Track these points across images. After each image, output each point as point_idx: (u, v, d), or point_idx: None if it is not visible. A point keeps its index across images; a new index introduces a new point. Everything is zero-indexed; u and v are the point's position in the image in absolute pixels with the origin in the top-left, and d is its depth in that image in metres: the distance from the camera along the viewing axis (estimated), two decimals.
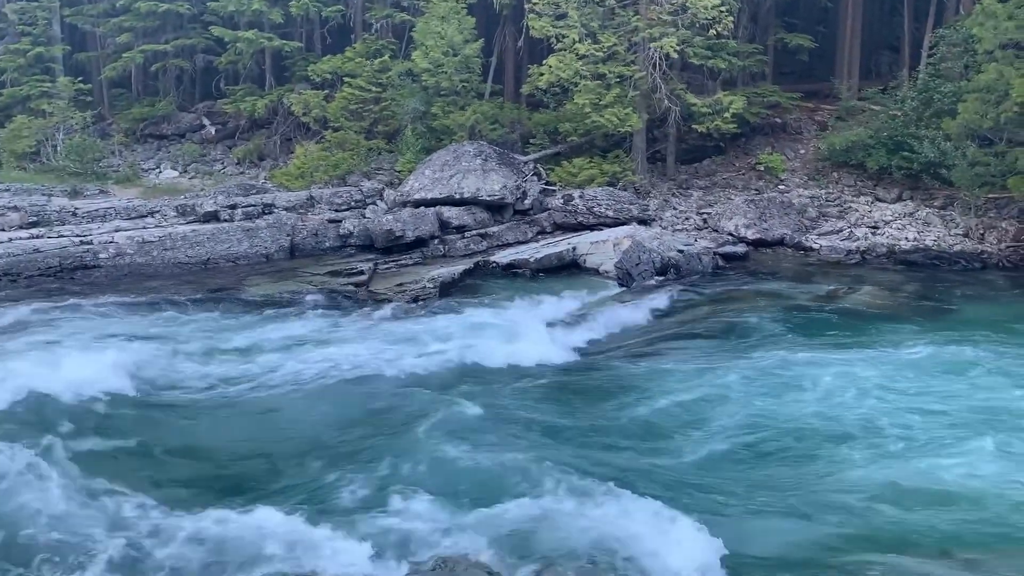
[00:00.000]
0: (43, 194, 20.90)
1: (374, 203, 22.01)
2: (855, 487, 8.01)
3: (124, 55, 27.02)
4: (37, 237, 17.40)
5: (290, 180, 23.51)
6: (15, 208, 19.04)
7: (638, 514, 7.26)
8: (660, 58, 20.81)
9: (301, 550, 7.28)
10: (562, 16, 21.51)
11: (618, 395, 10.46)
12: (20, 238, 17.30)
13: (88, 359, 11.20)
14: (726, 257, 18.01)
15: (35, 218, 18.82)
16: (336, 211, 21.21)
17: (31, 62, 27.58)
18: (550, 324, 13.25)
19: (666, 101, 21.24)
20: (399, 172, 23.44)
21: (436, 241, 19.55)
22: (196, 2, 27.27)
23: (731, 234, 19.37)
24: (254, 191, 22.12)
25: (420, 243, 19.35)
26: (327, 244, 19.51)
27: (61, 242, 17.07)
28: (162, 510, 7.91)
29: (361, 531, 7.49)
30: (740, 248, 18.59)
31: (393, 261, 18.62)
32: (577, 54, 20.91)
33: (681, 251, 17.08)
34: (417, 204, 20.56)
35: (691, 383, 10.59)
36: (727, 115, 21.16)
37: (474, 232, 20.04)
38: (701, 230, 19.99)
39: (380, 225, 19.43)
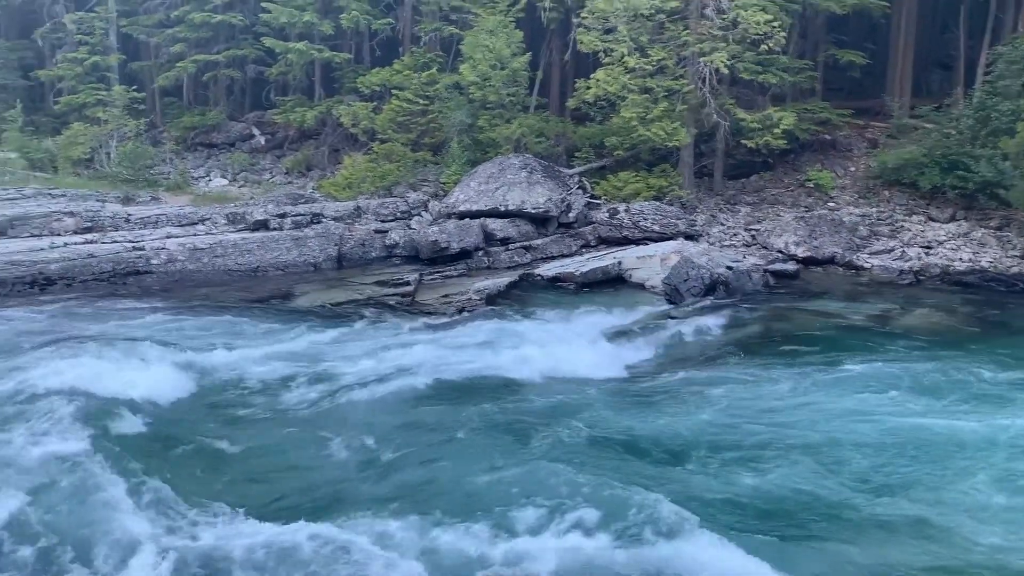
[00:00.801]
0: (97, 200, 21.30)
1: (419, 214, 22.12)
2: (927, 520, 7.76)
3: (177, 65, 27.56)
4: (91, 242, 17.71)
5: (337, 190, 23.73)
6: (70, 213, 19.41)
7: (701, 539, 7.13)
8: (710, 73, 20.65)
9: (349, 561, 7.26)
10: (611, 30, 21.47)
11: (670, 413, 10.27)
12: (75, 243, 17.63)
13: (143, 364, 11.34)
14: (776, 275, 17.73)
15: (89, 223, 19.18)
16: (382, 222, 21.35)
17: (88, 71, 28.25)
18: (598, 339, 13.10)
19: (715, 116, 21.07)
20: (444, 184, 23.54)
21: (480, 253, 19.58)
22: (248, 13, 27.71)
23: (781, 251, 19.10)
24: (302, 201, 22.36)
25: (465, 255, 19.39)
26: (373, 254, 19.62)
27: (114, 247, 17.37)
28: (215, 517, 7.92)
29: (418, 546, 7.43)
30: (790, 266, 18.30)
31: (438, 272, 18.66)
32: (625, 68, 20.84)
33: (730, 268, 16.85)
34: (462, 216, 20.61)
35: (747, 404, 10.37)
36: (777, 131, 20.93)
37: (518, 244, 20.04)
38: (749, 247, 19.74)
39: (425, 236, 19.51)
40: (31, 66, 31.51)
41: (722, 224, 21.08)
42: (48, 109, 30.87)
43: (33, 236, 18.37)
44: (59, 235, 18.41)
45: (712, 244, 19.57)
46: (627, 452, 9.20)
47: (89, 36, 28.51)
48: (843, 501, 8.06)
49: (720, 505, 7.97)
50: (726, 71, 20.63)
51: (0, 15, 31.95)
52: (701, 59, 20.76)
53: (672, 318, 14.64)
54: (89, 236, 18.29)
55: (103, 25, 28.65)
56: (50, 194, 21.45)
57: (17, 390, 10.32)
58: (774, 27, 20.13)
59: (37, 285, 15.91)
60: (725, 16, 20.50)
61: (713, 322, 14.34)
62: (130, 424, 9.80)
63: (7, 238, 18.14)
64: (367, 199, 22.58)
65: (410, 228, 20.88)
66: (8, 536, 7.35)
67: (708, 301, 15.69)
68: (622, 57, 20.90)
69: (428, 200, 22.85)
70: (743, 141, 21.71)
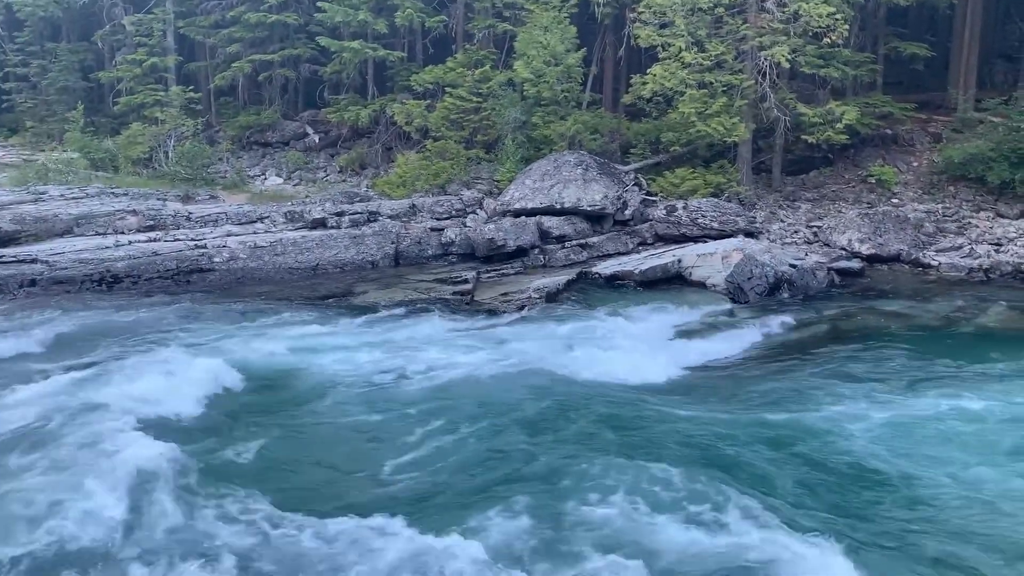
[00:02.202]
0: (158, 199, 21.64)
1: (474, 212, 22.08)
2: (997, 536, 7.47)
3: (233, 65, 27.89)
4: (155, 240, 17.98)
5: (391, 188, 23.81)
6: (133, 212, 19.74)
7: (780, 538, 6.97)
8: (770, 67, 20.28)
9: (423, 562, 7.22)
10: (667, 25, 21.20)
11: (739, 416, 10.06)
12: (139, 241, 17.91)
13: (208, 361, 11.40)
14: (841, 273, 17.34)
15: (151, 222, 19.47)
16: (437, 219, 21.35)
17: (146, 72, 28.76)
18: (662, 339, 12.93)
19: (775, 110, 20.70)
20: (498, 182, 23.47)
21: (536, 251, 19.46)
22: (302, 13, 27.94)
23: (844, 249, 18.68)
24: (358, 199, 22.48)
25: (520, 252, 19.29)
26: (429, 252, 19.61)
27: (177, 246, 17.60)
28: (282, 514, 7.93)
29: (488, 545, 7.37)
30: (855, 263, 17.89)
31: (494, 270, 18.59)
32: (683, 63, 20.56)
33: (794, 266, 16.52)
34: (517, 214, 20.53)
35: (820, 407, 10.09)
36: (839, 126, 20.49)
37: (574, 242, 19.89)
38: (811, 244, 19.34)
39: (482, 234, 19.45)
40: (91, 68, 32.21)
41: (782, 221, 20.70)
42: (107, 110, 31.52)
43: (98, 234, 18.71)
44: (123, 233, 18.71)
45: (773, 241, 19.21)
46: (689, 452, 9.02)
47: (147, 38, 29.02)
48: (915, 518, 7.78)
49: (797, 512, 7.77)
50: (787, 65, 20.23)
51: (62, 18, 32.64)
52: (761, 53, 20.40)
53: (736, 318, 14.39)
54: (152, 234, 18.57)
55: (161, 27, 29.13)
56: (112, 193, 21.84)
57: (83, 388, 10.43)
58: (837, 19, 19.71)
59: (105, 283, 16.19)
60: (786, 9, 20.11)
61: (780, 322, 14.06)
62: (192, 421, 9.88)
63: (74, 236, 18.51)
64: (421, 197, 22.62)
65: (465, 226, 20.83)
66: (68, 535, 7.39)
67: (773, 300, 15.39)
68: (679, 52, 20.62)
69: (482, 198, 22.79)
70: (803, 136, 21.29)
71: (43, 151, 27.50)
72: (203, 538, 7.58)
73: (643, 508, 7.65)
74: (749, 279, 15.66)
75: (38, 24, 32.41)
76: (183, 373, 10.70)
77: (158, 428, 9.28)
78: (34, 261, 16.37)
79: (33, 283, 15.86)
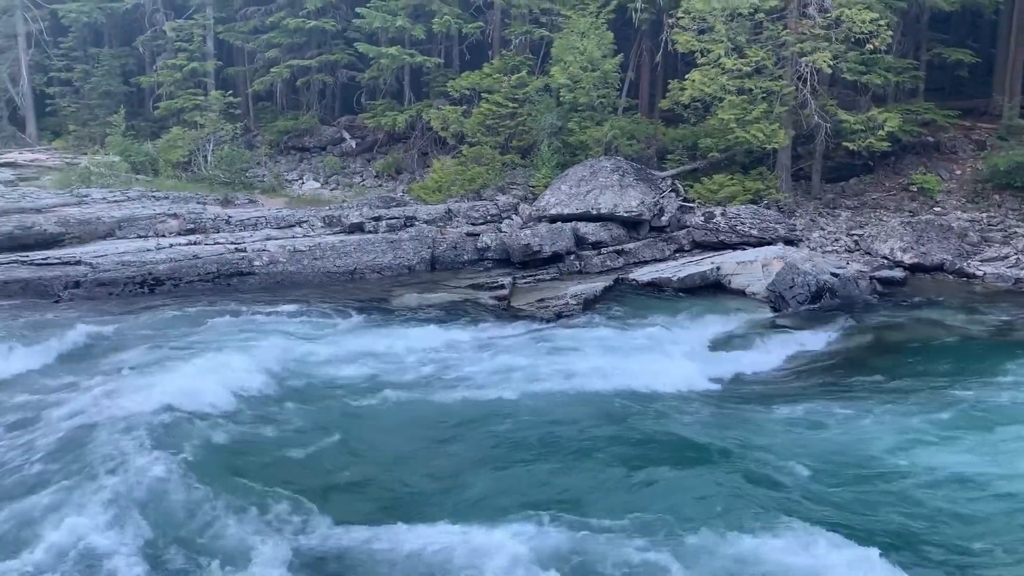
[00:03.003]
0: (198, 202, 21.87)
1: (509, 217, 22.06)
2: None
3: (271, 70, 28.15)
4: (196, 244, 18.17)
5: (427, 193, 23.88)
6: (174, 215, 19.97)
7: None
8: (811, 73, 20.06)
9: (458, 567, 7.20)
10: (706, 30, 21.05)
11: (781, 428, 9.93)
12: (180, 244, 18.11)
13: (249, 364, 11.48)
14: (883, 282, 17.07)
15: (192, 225, 19.69)
16: (473, 225, 21.37)
17: (186, 76, 29.11)
18: (703, 348, 12.81)
19: (815, 117, 20.46)
20: (534, 187, 23.44)
21: (572, 257, 19.40)
22: (340, 19, 28.14)
23: (886, 257, 18.40)
24: (395, 204, 22.57)
25: (556, 258, 19.24)
26: (465, 257, 19.62)
27: (218, 249, 17.77)
28: (318, 517, 7.93)
29: (528, 551, 7.33)
30: (897, 273, 17.61)
31: (530, 276, 18.56)
32: (722, 68, 20.39)
33: (835, 274, 16.28)
34: (553, 219, 20.49)
35: (865, 421, 9.91)
36: (881, 133, 20.19)
37: (610, 248, 19.81)
38: (852, 252, 19.07)
39: (517, 240, 19.43)
40: (132, 73, 32.71)
41: (822, 229, 20.44)
42: (148, 114, 31.99)
43: (139, 237, 18.94)
44: (164, 236, 18.94)
45: (813, 249, 18.96)
46: (728, 467, 8.88)
47: (188, 43, 29.38)
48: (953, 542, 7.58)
49: (835, 527, 7.61)
50: (828, 71, 19.99)
51: (105, 24, 33.20)
52: (802, 59, 20.18)
53: (778, 327, 14.22)
54: (193, 237, 18.77)
55: (201, 32, 29.50)
56: (153, 196, 22.12)
57: (126, 391, 10.50)
58: (880, 26, 19.43)
59: (146, 285, 16.40)
60: (828, 15, 19.87)
61: (822, 331, 13.88)
62: (234, 424, 9.89)
63: (116, 239, 18.76)
64: (457, 202, 22.66)
65: (501, 231, 20.83)
66: (112, 538, 7.44)
67: (814, 309, 15.18)
68: (719, 57, 20.46)
69: (518, 203, 22.77)
70: (844, 143, 21.01)
71: (85, 154, 27.93)
72: (235, 538, 7.62)
73: (684, 520, 7.55)
74: (790, 288, 15.47)
75: (82, 30, 32.99)
76: (224, 373, 10.78)
77: (197, 428, 9.33)
78: (78, 263, 16.62)
79: (77, 285, 16.10)
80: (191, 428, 9.62)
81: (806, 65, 20.12)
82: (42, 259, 16.69)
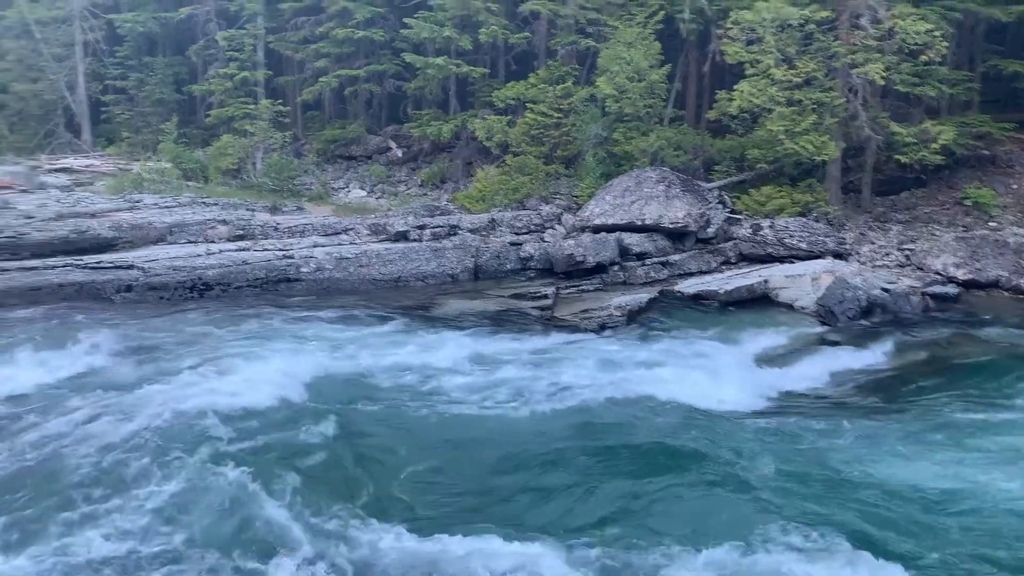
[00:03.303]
0: (247, 209, 22.19)
1: (552, 227, 22.05)
2: None
3: (320, 79, 28.50)
4: (245, 250, 18.43)
5: (471, 202, 23.96)
6: (224, 222, 20.29)
7: None
8: (864, 84, 19.74)
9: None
10: (755, 41, 20.83)
11: (831, 447, 9.70)
12: (229, 250, 18.39)
13: (295, 369, 11.58)
14: (935, 298, 16.71)
15: (241, 231, 19.99)
16: (516, 234, 21.40)
17: (237, 85, 29.59)
18: (751, 363, 12.61)
19: (867, 129, 20.11)
20: (577, 197, 23.40)
21: (616, 267, 19.30)
22: (388, 29, 28.41)
23: (938, 273, 18.00)
24: (439, 212, 22.69)
25: (600, 269, 19.15)
26: (508, 266, 19.63)
27: (266, 255, 18.01)
28: (358, 523, 7.98)
29: (574, 564, 7.26)
30: (951, 289, 17.21)
31: (573, 286, 18.49)
32: (772, 79, 20.16)
33: (886, 289, 15.98)
34: (597, 229, 20.41)
35: (918, 442, 9.66)
36: (935, 146, 19.77)
37: (655, 260, 19.66)
38: (903, 267, 18.70)
39: (561, 250, 19.39)
40: (185, 81, 33.36)
41: (872, 243, 20.06)
42: (199, 122, 32.60)
43: (190, 242, 19.27)
44: (213, 242, 19.25)
45: (863, 264, 18.64)
46: (774, 487, 8.70)
47: (239, 52, 29.88)
48: None
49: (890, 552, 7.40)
50: (881, 83, 19.65)
51: (159, 34, 33.94)
52: (853, 70, 19.87)
53: (827, 342, 13.96)
54: (241, 244, 19.04)
55: (252, 42, 29.98)
56: (203, 203, 22.50)
57: (173, 394, 10.62)
58: (935, 36, 19.05)
59: (196, 290, 16.67)
60: (881, 26, 19.54)
61: (873, 347, 13.60)
62: (279, 428, 9.95)
63: (167, 244, 19.11)
64: (500, 211, 22.69)
65: (544, 241, 20.83)
66: (155, 540, 7.55)
67: (864, 324, 14.88)
68: (768, 68, 20.23)
69: (561, 213, 22.75)
70: (896, 156, 20.62)
71: (138, 161, 28.50)
72: (277, 539, 7.69)
73: (728, 540, 7.42)
74: (840, 302, 15.19)
75: (137, 39, 33.74)
76: (272, 379, 10.87)
77: (241, 431, 9.42)
78: (130, 267, 16.95)
79: (129, 288, 16.43)
80: (236, 431, 9.71)
81: (858, 76, 19.80)
82: (95, 263, 17.05)
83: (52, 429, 9.60)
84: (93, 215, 19.84)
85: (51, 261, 17.04)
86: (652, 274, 19.20)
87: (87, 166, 28.93)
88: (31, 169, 26.56)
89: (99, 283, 16.37)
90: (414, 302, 16.56)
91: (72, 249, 17.82)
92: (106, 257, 17.49)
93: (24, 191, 23.06)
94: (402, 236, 20.01)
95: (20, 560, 7.23)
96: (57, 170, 27.75)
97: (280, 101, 29.38)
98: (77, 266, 16.88)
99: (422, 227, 20.27)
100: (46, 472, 8.63)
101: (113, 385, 10.98)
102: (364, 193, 26.73)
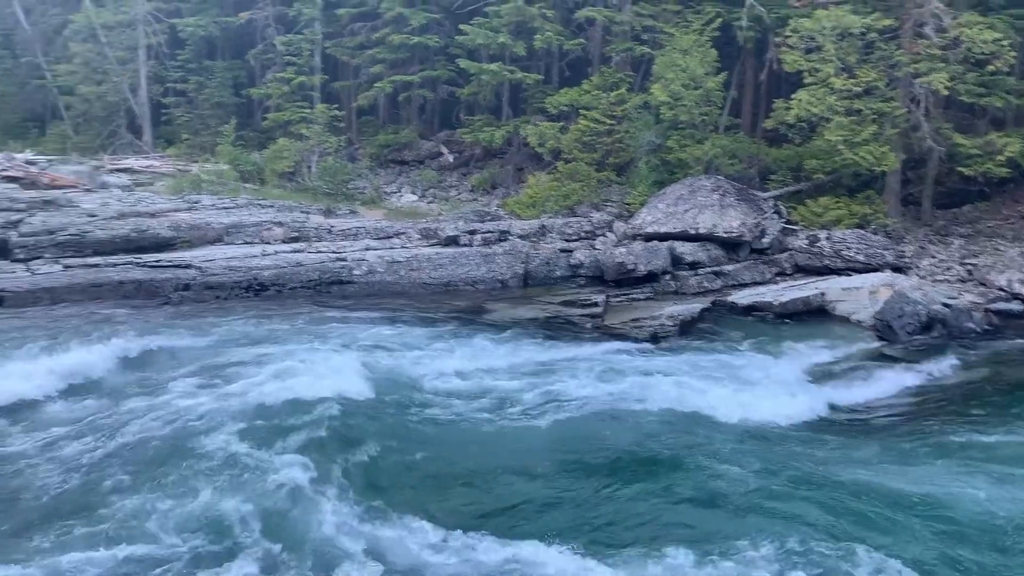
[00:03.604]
0: (302, 211, 22.49)
1: (603, 235, 21.92)
2: None
3: (375, 85, 28.78)
4: (299, 252, 18.69)
5: (522, 208, 23.95)
6: (279, 223, 20.59)
7: None
8: (927, 94, 19.28)
9: None
10: (815, 49, 20.49)
11: (887, 469, 9.41)
12: (284, 251, 18.67)
13: (348, 371, 11.66)
14: (999, 314, 16.23)
15: (296, 234, 20.26)
16: (567, 241, 21.33)
17: (294, 89, 30.01)
18: (807, 377, 12.35)
19: (929, 140, 19.64)
20: (629, 204, 23.24)
21: (668, 276, 19.13)
22: (443, 35, 28.60)
23: (1003, 289, 17.46)
24: (489, 218, 22.73)
25: (651, 277, 19.00)
26: (558, 273, 19.58)
27: (320, 257, 18.24)
28: (413, 526, 7.99)
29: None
30: (1016, 305, 16.68)
31: (623, 294, 18.38)
32: (831, 88, 19.80)
33: (947, 305, 15.56)
34: (648, 237, 20.25)
35: (987, 462, 9.34)
36: (1000, 158, 19.23)
37: (708, 269, 19.44)
38: (965, 283, 18.17)
39: (612, 257, 19.29)
40: (243, 85, 33.95)
41: (933, 256, 19.57)
42: (256, 125, 33.15)
43: (246, 243, 19.61)
44: (269, 243, 19.56)
45: (923, 278, 18.18)
46: (828, 506, 8.48)
47: (296, 57, 30.32)
48: None
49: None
50: (945, 92, 19.18)
51: (219, 38, 34.64)
52: (916, 80, 19.42)
53: (886, 357, 13.63)
54: (296, 245, 19.32)
55: (309, 47, 30.38)
56: (260, 204, 22.85)
57: (229, 393, 10.78)
58: (1002, 46, 18.54)
59: (252, 290, 16.95)
60: (945, 35, 19.08)
61: (934, 363, 13.24)
62: (330, 431, 9.98)
63: (224, 244, 19.46)
64: (551, 218, 22.64)
65: (595, 248, 20.72)
66: (209, 539, 7.63)
67: (924, 339, 14.51)
68: (827, 77, 19.88)
69: (612, 220, 22.60)
70: (958, 168, 20.11)
71: (196, 162, 29.07)
72: (334, 538, 7.75)
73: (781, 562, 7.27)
74: (899, 317, 14.84)
75: (198, 43, 34.44)
76: (326, 378, 10.98)
77: (278, 438, 9.45)
78: (188, 266, 17.31)
79: (187, 287, 16.76)
80: (288, 427, 9.84)
81: (920, 86, 19.35)
82: (155, 261, 17.45)
83: (104, 422, 9.84)
84: (153, 215, 20.28)
85: (112, 259, 17.48)
86: (705, 284, 18.98)
87: (147, 167, 29.57)
88: (94, 169, 27.21)
89: (157, 281, 16.73)
90: (465, 307, 16.61)
91: (132, 248, 18.26)
92: (165, 256, 17.88)
93: (87, 190, 23.66)
94: (453, 241, 20.08)
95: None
96: (119, 170, 28.39)
97: (335, 106, 29.70)
98: (137, 264, 17.29)
99: (472, 232, 20.33)
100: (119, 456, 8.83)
101: (175, 380, 11.20)
102: (415, 198, 26.91)
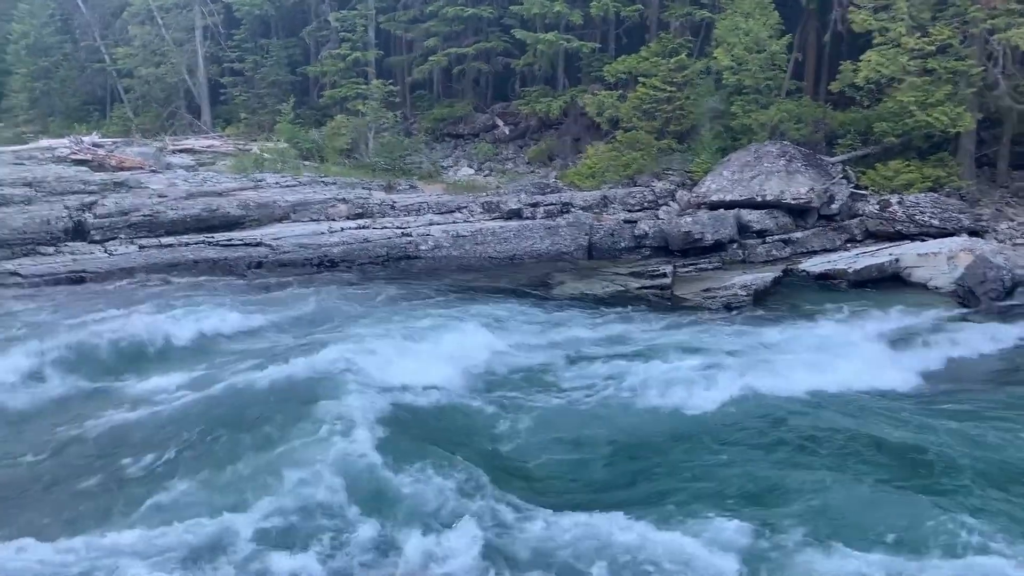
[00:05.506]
0: (364, 188, 22.61)
1: (666, 204, 21.66)
2: None
3: (430, 58, 28.70)
4: (365, 228, 18.84)
5: (580, 179, 23.77)
6: (343, 200, 20.76)
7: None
8: (1004, 51, 18.58)
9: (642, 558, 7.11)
10: (884, 8, 19.85)
11: (982, 436, 9.20)
12: (351, 228, 18.84)
13: (425, 347, 11.80)
14: None
15: (360, 210, 20.39)
16: (629, 211, 21.14)
17: (349, 66, 30.08)
18: (893, 345, 12.09)
19: (1007, 99, 18.95)
20: (691, 173, 22.89)
21: (735, 245, 18.88)
22: (497, 6, 28.34)
23: None
24: (550, 190, 22.62)
25: (718, 247, 18.77)
26: (622, 244, 19.45)
27: (386, 233, 18.39)
28: (504, 498, 8.06)
29: (725, 550, 7.17)
30: None
31: (691, 264, 18.21)
32: (903, 48, 19.18)
33: None
34: (713, 206, 19.97)
35: None
36: None
37: (776, 237, 19.13)
38: None
39: (677, 227, 19.09)
40: (299, 62, 34.14)
41: (1011, 220, 18.97)
42: (312, 102, 33.33)
43: (312, 220, 19.80)
44: (334, 220, 19.73)
45: (1001, 242, 17.64)
46: (919, 472, 8.36)
47: (351, 33, 30.34)
48: None
49: None
50: None
51: (273, 16, 34.81)
52: (993, 36, 18.71)
53: (969, 324, 13.29)
54: (361, 222, 19.46)
55: (363, 22, 30.38)
56: (322, 182, 23.03)
57: (306, 373, 10.80)
58: None
59: (323, 266, 17.18)
60: None
61: (1018, 330, 12.85)
62: (411, 406, 10.12)
63: (291, 222, 19.69)
64: (612, 188, 22.44)
65: (659, 218, 20.50)
66: (305, 517, 7.72)
67: (1008, 306, 14.11)
68: (899, 37, 19.26)
69: (675, 189, 22.31)
70: None
71: (255, 141, 29.38)
72: (426, 512, 7.82)
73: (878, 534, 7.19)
74: (982, 282, 14.44)
75: (253, 22, 34.67)
76: (394, 361, 11.02)
77: (363, 413, 9.53)
78: (259, 244, 17.61)
79: (260, 264, 17.07)
80: (375, 403, 9.90)
81: (998, 43, 18.64)
82: (227, 240, 17.78)
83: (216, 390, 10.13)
84: (220, 194, 20.56)
85: (184, 238, 17.85)
86: (773, 252, 18.71)
87: (208, 146, 29.97)
88: (158, 150, 27.70)
89: (231, 259, 17.06)
90: (530, 280, 16.59)
91: (203, 227, 18.60)
92: (236, 235, 18.20)
93: (153, 171, 24.07)
94: (515, 214, 20.06)
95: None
96: (180, 151, 28.88)
97: (391, 81, 29.73)
98: (209, 243, 17.65)
99: (535, 205, 20.27)
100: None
101: (267, 349, 11.43)
102: (472, 171, 26.88)
